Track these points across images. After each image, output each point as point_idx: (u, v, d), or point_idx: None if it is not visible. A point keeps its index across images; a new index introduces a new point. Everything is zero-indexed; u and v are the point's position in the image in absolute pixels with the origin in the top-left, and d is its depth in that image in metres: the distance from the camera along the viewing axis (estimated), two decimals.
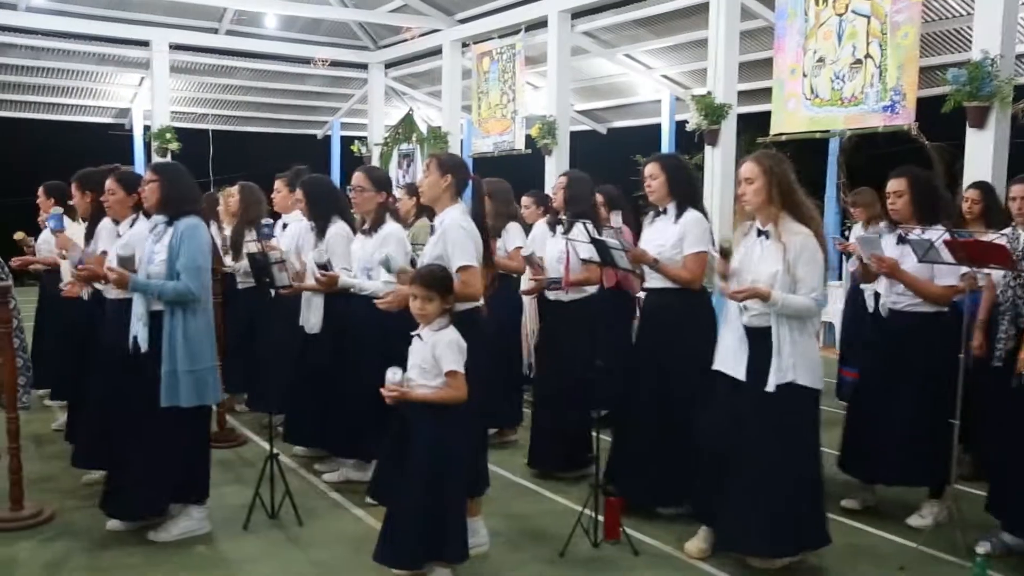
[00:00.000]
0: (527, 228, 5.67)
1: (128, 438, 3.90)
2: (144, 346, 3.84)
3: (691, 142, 10.00)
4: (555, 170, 10.39)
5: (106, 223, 4.56)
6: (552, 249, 4.87)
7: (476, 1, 12.01)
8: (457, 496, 3.35)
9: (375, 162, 13.45)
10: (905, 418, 4.12)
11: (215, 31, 13.46)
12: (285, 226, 5.54)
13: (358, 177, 4.52)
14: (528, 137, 11.11)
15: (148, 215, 4.12)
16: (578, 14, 10.88)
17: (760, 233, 3.58)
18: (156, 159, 12.47)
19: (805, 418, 3.57)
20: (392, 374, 3.24)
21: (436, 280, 3.34)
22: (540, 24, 10.92)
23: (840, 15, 7.47)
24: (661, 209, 4.24)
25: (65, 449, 5.22)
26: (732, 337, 3.64)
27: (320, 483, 4.75)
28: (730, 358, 3.64)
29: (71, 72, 13.51)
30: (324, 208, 4.77)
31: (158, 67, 12.76)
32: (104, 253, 4.42)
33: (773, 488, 3.49)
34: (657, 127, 13.01)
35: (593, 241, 3.97)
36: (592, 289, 4.70)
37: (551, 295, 4.84)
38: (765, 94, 10.31)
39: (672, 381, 4.13)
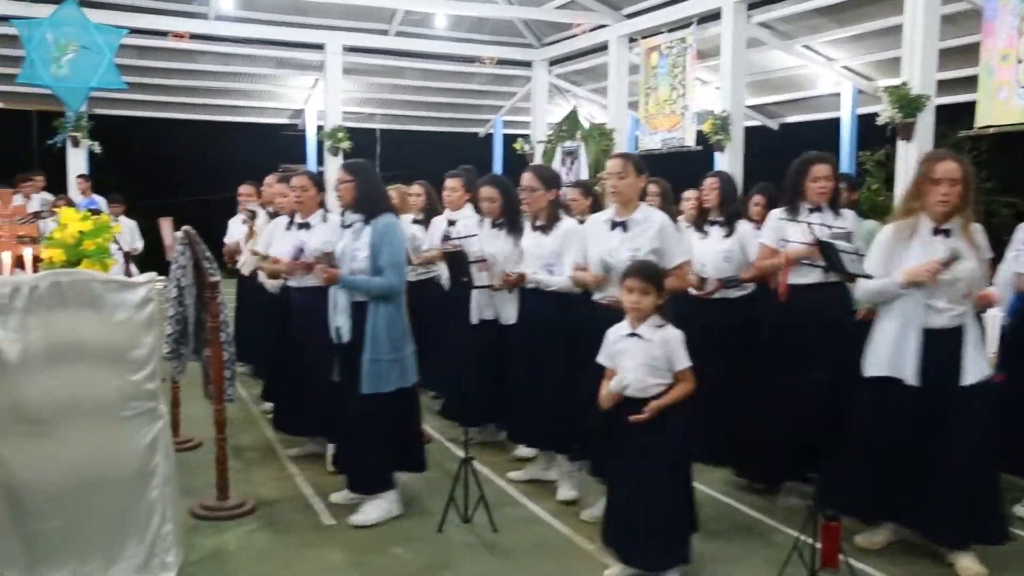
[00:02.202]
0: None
1: (342, 421, 4.21)
2: (347, 336, 4.08)
3: (874, 136, 9.36)
4: (727, 167, 9.98)
5: (278, 220, 5.09)
6: (705, 249, 4.81)
7: None
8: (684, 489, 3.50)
9: (537, 160, 13.40)
10: None
11: (385, 32, 13.80)
12: (451, 223, 5.51)
13: (527, 178, 4.55)
14: (698, 133, 10.75)
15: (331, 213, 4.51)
16: (754, 4, 10.41)
17: (937, 232, 3.56)
18: (328, 158, 12.92)
19: (992, 412, 3.66)
20: (617, 383, 3.35)
21: (655, 274, 3.41)
22: (713, 16, 10.52)
23: None
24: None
25: (261, 439, 5.40)
26: (904, 340, 3.57)
27: (511, 489, 4.66)
28: (908, 362, 3.57)
29: (252, 76, 14.20)
30: (516, 207, 4.82)
31: (331, 69, 13.20)
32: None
33: (974, 481, 3.54)
34: (834, 122, 12.31)
35: (819, 244, 3.67)
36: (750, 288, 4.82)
37: (717, 294, 4.79)
38: (963, 84, 9.54)
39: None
